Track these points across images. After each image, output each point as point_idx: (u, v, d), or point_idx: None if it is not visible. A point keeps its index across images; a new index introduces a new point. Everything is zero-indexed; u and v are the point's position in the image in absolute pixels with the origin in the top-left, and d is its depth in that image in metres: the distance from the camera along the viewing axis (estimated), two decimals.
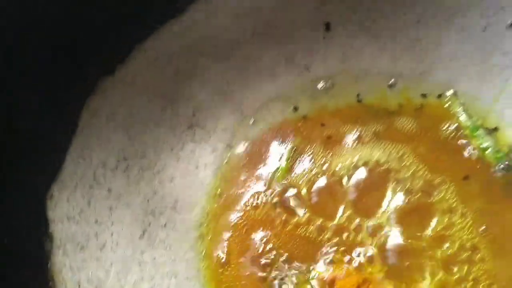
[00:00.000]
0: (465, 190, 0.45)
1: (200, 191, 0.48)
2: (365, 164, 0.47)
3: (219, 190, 0.49)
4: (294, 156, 0.49)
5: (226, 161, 0.50)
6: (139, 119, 0.48)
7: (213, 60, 0.51)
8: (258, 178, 0.49)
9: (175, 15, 0.47)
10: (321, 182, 0.47)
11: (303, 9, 0.50)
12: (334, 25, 0.51)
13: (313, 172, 0.48)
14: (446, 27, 0.50)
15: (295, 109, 0.52)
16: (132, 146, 0.47)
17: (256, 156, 0.50)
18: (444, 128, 0.49)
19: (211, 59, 0.50)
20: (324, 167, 0.48)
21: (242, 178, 0.49)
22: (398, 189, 0.46)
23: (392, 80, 0.51)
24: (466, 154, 0.47)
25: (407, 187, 0.46)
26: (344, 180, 0.47)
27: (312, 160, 0.48)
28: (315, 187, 0.47)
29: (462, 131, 0.48)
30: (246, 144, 0.51)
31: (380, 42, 0.51)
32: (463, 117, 0.48)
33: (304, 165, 0.48)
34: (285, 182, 0.48)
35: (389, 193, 0.45)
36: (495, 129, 0.47)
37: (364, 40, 0.52)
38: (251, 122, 0.52)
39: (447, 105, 0.50)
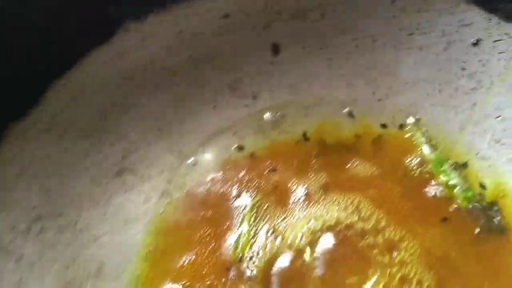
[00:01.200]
0: (429, 241, 0.38)
1: (130, 251, 0.41)
2: (325, 227, 0.40)
3: (152, 248, 0.42)
4: (250, 218, 0.42)
5: (161, 212, 0.44)
6: (57, 170, 0.41)
7: (147, 93, 0.44)
8: (201, 239, 0.42)
9: (103, 42, 0.40)
10: (280, 261, 0.40)
11: (248, 32, 0.44)
12: (283, 48, 0.45)
13: (268, 247, 0.40)
14: (405, 47, 0.44)
15: (240, 148, 0.45)
16: (48, 202, 0.40)
17: (199, 207, 0.43)
18: (406, 162, 0.43)
19: (144, 91, 0.44)
20: (277, 241, 0.40)
21: (181, 234, 0.42)
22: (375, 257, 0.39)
23: (347, 108, 0.45)
24: (431, 193, 0.41)
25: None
26: (306, 253, 0.40)
27: (264, 227, 0.41)
28: (274, 268, 0.39)
29: (425, 165, 0.42)
30: (186, 192, 0.44)
31: (333, 66, 0.45)
32: (426, 150, 0.42)
33: (258, 237, 0.41)
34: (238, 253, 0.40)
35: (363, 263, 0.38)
36: (464, 165, 0.41)
37: (315, 64, 0.46)
38: (191, 163, 0.45)
39: (409, 135, 0.44)
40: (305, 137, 0.45)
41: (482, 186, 0.40)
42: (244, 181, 0.43)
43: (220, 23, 0.43)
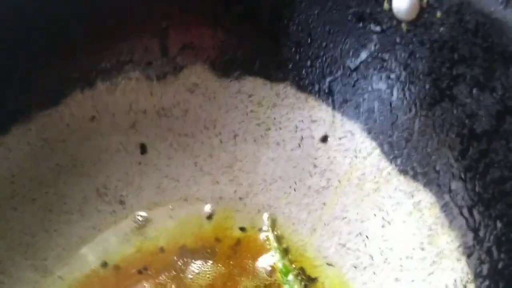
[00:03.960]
0: None
1: None
2: None
3: None
4: None
5: None
6: None
7: (14, 205, 0.43)
8: None
9: None
10: None
11: (115, 133, 0.44)
12: (149, 147, 0.44)
13: None
14: (264, 142, 0.42)
15: (104, 263, 0.43)
16: None
17: None
18: (258, 269, 0.39)
19: (10, 204, 0.43)
20: None
21: None
22: None
23: (210, 210, 0.43)
24: None
25: None
26: None
27: None
28: None
29: (274, 274, 0.38)
30: None
31: (199, 163, 0.44)
32: (276, 256, 0.38)
33: None
34: None
35: None
36: (313, 279, 0.37)
37: (181, 162, 0.44)
38: (56, 279, 0.42)
39: (265, 238, 0.40)
40: (167, 243, 0.43)
41: None
42: None
43: (86, 126, 0.44)
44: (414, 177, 0.34)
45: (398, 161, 0.35)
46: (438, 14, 0.30)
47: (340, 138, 0.38)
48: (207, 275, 0.40)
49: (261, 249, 0.40)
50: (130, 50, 0.43)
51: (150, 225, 0.44)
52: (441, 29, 0.30)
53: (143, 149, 0.45)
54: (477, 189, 0.30)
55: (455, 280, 0.30)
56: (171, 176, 0.44)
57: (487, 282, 0.28)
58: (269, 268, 0.39)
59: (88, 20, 0.41)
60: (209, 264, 0.41)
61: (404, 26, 0.32)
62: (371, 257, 0.35)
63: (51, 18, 0.39)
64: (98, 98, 0.44)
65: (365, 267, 0.35)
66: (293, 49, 0.40)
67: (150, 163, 0.45)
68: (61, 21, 0.39)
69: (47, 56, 0.40)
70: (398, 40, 0.33)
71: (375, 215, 0.35)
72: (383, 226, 0.35)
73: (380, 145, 0.36)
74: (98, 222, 0.44)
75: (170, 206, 0.44)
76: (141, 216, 0.44)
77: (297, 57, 0.40)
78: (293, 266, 0.38)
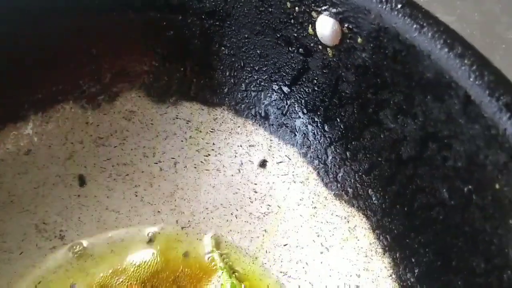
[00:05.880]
0: None
1: None
2: None
3: None
4: None
5: None
6: None
7: None
8: None
9: None
10: None
11: (52, 165, 0.42)
12: (88, 179, 0.43)
13: None
14: (204, 169, 0.41)
15: None
16: None
17: None
18: None
19: None
20: None
21: None
22: None
23: (152, 242, 0.42)
24: None
25: None
26: None
27: None
28: None
29: None
30: None
31: (140, 193, 0.43)
32: (223, 276, 0.38)
33: None
34: None
35: None
36: None
37: (122, 192, 0.43)
38: None
39: (209, 259, 0.39)
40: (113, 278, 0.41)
41: None
42: None
43: (22, 160, 0.42)
44: (349, 202, 0.34)
45: (333, 185, 0.35)
46: (359, 39, 0.29)
47: (278, 163, 0.38)
48: None
49: (206, 272, 0.39)
50: (62, 80, 0.41)
51: (91, 259, 0.43)
52: (364, 54, 0.29)
53: (81, 181, 0.43)
54: (406, 218, 0.29)
55: None
56: (112, 208, 0.43)
57: None
58: None
59: (16, 51, 0.39)
60: None
61: (329, 51, 0.32)
62: (311, 284, 0.35)
63: None
64: (32, 131, 0.43)
65: None
66: (227, 73, 0.39)
67: (90, 195, 0.43)
68: None
69: None
70: (326, 64, 0.33)
71: (314, 241, 0.35)
72: (321, 253, 0.34)
73: (316, 169, 0.36)
74: (38, 259, 0.42)
75: (110, 240, 0.43)
76: (81, 251, 0.43)
77: (232, 81, 0.39)
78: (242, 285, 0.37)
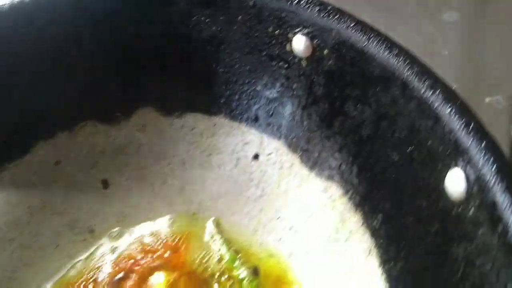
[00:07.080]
0: None
1: None
2: None
3: None
4: None
5: None
6: None
7: None
8: None
9: None
10: None
11: (78, 174, 0.51)
12: (110, 182, 0.52)
13: None
14: (207, 167, 0.51)
15: None
16: None
17: None
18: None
19: None
20: None
21: None
22: None
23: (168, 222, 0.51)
24: None
25: None
26: None
27: None
28: None
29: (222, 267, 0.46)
30: None
31: (154, 189, 0.52)
32: (223, 250, 0.47)
33: None
34: None
35: None
36: (255, 271, 0.45)
37: (139, 191, 0.52)
38: None
39: (210, 241, 0.48)
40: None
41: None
42: None
43: (52, 170, 0.51)
44: (328, 177, 0.44)
45: (316, 167, 0.45)
46: (326, 51, 0.40)
47: (268, 155, 0.48)
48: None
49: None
50: (88, 103, 0.51)
51: (118, 250, 0.51)
52: (330, 62, 0.40)
53: (105, 184, 0.52)
54: (369, 181, 0.40)
55: (363, 249, 0.40)
56: (132, 204, 0.52)
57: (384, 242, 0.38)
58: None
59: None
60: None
61: (304, 62, 0.43)
62: (303, 244, 0.44)
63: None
64: (60, 146, 0.52)
65: (299, 253, 0.44)
66: (223, 87, 0.49)
67: (112, 195, 0.52)
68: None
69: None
70: (301, 73, 0.43)
71: (300, 210, 0.45)
72: (308, 216, 0.44)
73: (300, 156, 0.46)
74: (72, 251, 0.50)
75: (131, 230, 0.51)
76: (109, 244, 0.51)
77: (227, 93, 0.49)
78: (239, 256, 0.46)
